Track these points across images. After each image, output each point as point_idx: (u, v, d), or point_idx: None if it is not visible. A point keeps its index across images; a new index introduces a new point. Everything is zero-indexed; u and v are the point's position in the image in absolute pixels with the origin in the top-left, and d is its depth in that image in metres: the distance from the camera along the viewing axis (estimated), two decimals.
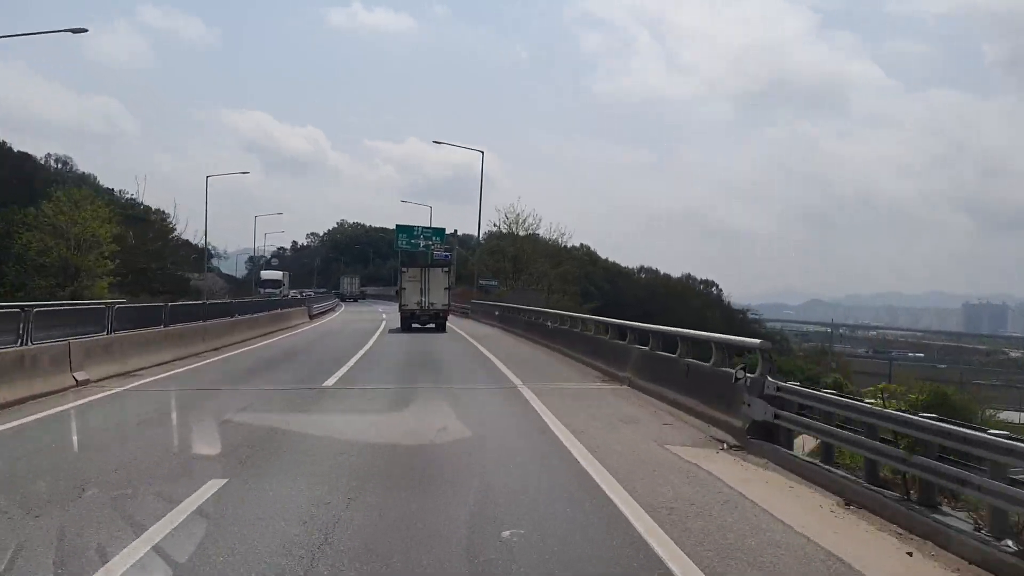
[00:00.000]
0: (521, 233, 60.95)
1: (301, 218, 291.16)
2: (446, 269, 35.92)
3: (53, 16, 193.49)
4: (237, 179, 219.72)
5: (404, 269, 35.28)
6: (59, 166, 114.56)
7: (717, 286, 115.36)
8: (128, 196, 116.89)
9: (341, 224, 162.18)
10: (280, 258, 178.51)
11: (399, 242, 67.50)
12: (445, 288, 33.43)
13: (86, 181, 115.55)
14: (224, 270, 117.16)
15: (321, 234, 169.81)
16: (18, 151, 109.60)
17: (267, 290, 71.42)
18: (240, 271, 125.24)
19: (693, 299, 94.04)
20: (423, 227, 67.26)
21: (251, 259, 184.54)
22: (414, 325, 32.41)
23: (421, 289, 32.87)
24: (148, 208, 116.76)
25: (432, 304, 32.87)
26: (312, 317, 39.79)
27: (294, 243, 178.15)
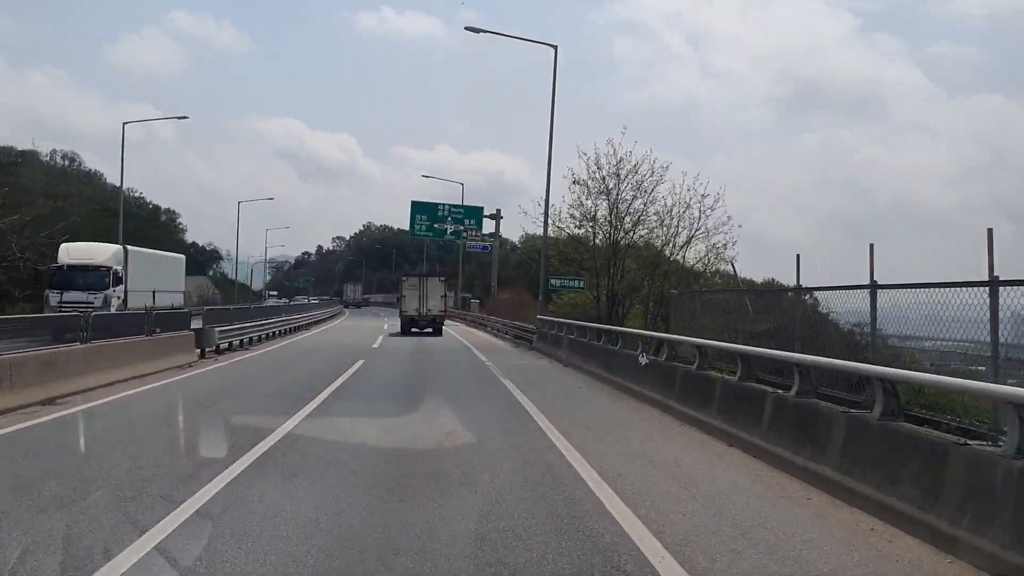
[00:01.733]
0: (629, 197, 27.73)
1: (334, 225, 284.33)
2: (442, 279, 38.81)
3: (84, 24, 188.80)
4: (270, 184, 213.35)
5: (404, 278, 38.33)
6: (66, 163, 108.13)
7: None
8: (137, 194, 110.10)
9: (367, 227, 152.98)
10: (304, 264, 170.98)
11: (415, 227, 46.71)
12: (441, 296, 36.19)
13: (92, 178, 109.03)
14: (238, 275, 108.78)
15: (347, 238, 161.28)
16: (21, 149, 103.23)
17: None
18: (255, 278, 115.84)
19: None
20: (452, 205, 48.02)
21: (276, 267, 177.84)
22: (413, 329, 35.02)
23: (419, 296, 35.38)
24: (157, 208, 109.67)
25: (429, 311, 35.38)
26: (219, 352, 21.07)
27: (319, 247, 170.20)
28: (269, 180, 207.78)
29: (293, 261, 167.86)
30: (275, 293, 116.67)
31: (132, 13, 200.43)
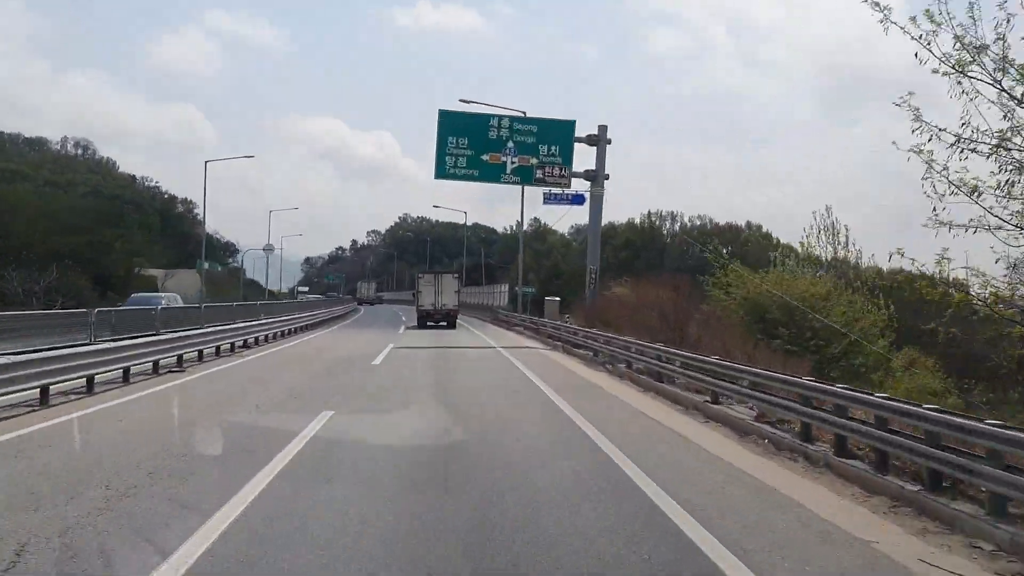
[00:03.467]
0: None
1: (373, 222, 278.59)
2: (456, 275, 39.45)
3: (121, 24, 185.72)
4: (310, 183, 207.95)
5: (420, 276, 38.96)
6: (79, 152, 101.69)
7: None
8: (153, 184, 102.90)
9: (404, 219, 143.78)
10: (339, 259, 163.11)
11: (444, 162, 28.32)
12: (455, 291, 37.03)
13: (102, 166, 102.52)
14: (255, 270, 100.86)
15: (383, 231, 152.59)
16: (28, 136, 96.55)
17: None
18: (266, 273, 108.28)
19: None
20: (515, 117, 29.05)
21: (307, 260, 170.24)
22: (428, 323, 35.78)
23: (435, 292, 36.40)
24: (173, 197, 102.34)
25: (444, 305, 36.43)
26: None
27: (354, 242, 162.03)
28: (310, 179, 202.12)
29: (327, 257, 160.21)
30: (305, 289, 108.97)
31: (170, 13, 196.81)
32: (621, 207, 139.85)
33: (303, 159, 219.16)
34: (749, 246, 51.80)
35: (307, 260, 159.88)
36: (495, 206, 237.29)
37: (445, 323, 35.87)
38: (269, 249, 62.68)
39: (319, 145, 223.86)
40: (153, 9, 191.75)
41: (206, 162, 59.80)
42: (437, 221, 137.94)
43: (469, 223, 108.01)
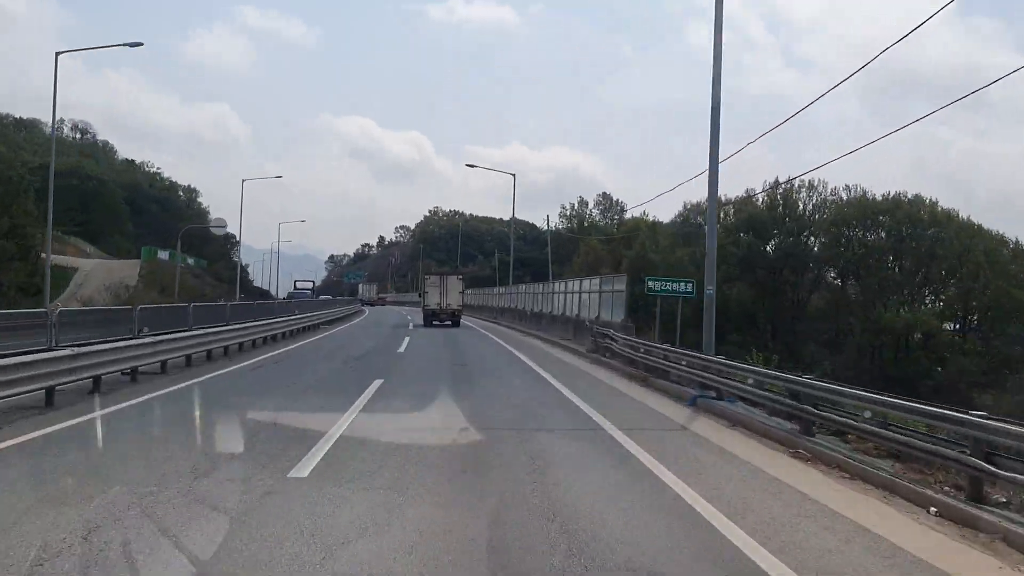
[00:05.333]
0: None
1: (404, 219, 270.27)
2: (460, 277, 40.48)
3: (151, 20, 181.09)
4: (342, 183, 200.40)
5: (427, 277, 41.55)
6: (76, 135, 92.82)
7: None
8: (154, 169, 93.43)
9: (435, 212, 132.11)
10: (365, 257, 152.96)
11: None
12: (460, 292, 38.21)
13: (98, 149, 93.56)
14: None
15: (412, 227, 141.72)
16: (20, 116, 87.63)
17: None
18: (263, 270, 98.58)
19: None
20: None
21: (331, 258, 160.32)
22: (434, 322, 36.90)
23: (440, 292, 37.63)
24: (175, 184, 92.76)
25: (449, 305, 37.56)
26: None
27: (381, 239, 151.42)
28: (341, 177, 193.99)
29: (353, 255, 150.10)
30: (309, 285, 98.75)
31: (203, 10, 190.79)
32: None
33: (335, 158, 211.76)
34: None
35: (331, 258, 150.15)
36: (535, 207, 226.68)
37: (450, 322, 37.19)
38: (220, 225, 51.56)
39: (349, 144, 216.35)
40: (187, 7, 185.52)
41: (243, 180, 55.15)
42: (471, 215, 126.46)
43: (499, 218, 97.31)
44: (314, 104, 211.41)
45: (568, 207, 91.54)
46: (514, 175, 51.70)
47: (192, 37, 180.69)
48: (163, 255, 54.27)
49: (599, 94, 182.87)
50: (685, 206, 64.40)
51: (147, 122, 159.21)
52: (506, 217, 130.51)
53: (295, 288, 76.47)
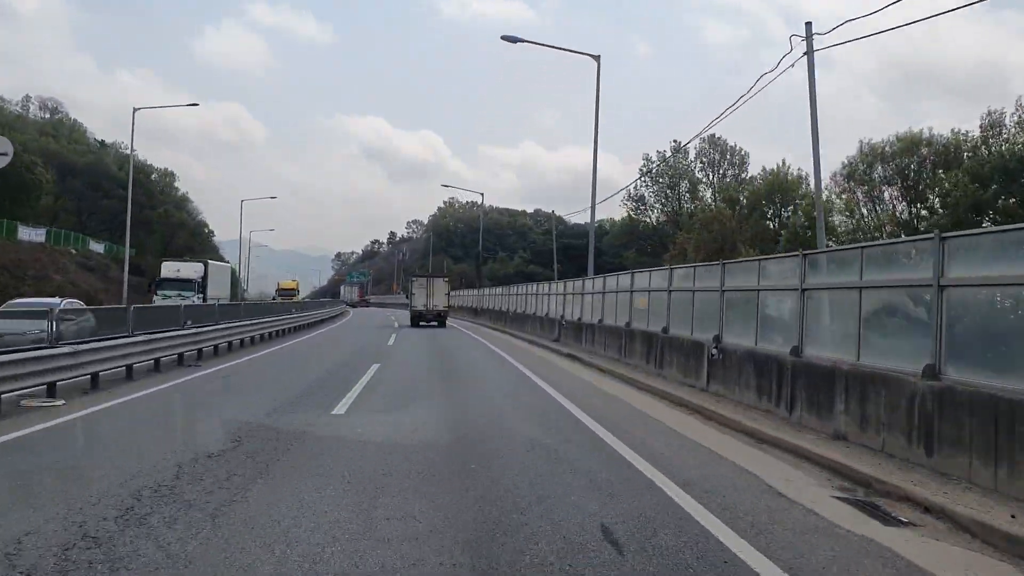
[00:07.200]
0: None
1: (416, 216, 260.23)
2: (446, 279, 42.16)
3: (164, 19, 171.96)
4: (361, 183, 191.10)
5: (413, 279, 43.05)
6: (46, 115, 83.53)
7: None
8: (123, 150, 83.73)
9: (450, 203, 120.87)
10: (374, 255, 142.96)
11: None
12: (445, 294, 39.92)
13: (73, 128, 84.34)
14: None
15: (425, 221, 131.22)
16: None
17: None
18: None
19: None
20: None
21: (338, 255, 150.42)
22: (420, 323, 38.31)
23: (427, 294, 39.10)
24: (151, 167, 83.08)
25: (435, 306, 39.08)
26: None
27: (392, 235, 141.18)
28: (357, 178, 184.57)
29: (360, 252, 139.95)
30: (293, 283, 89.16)
31: (214, 8, 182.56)
32: None
33: (354, 161, 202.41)
34: None
35: (338, 256, 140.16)
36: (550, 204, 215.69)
37: (436, 323, 38.55)
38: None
39: (365, 145, 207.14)
40: (198, 5, 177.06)
41: (242, 201, 51.12)
42: (491, 207, 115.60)
43: (523, 211, 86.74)
44: (329, 105, 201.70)
45: (646, 160, 67.97)
46: (482, 194, 45.89)
47: (205, 35, 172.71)
48: (97, 246, 44.91)
49: (612, 92, 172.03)
50: None
51: (164, 121, 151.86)
52: (530, 210, 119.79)
53: (278, 290, 69.45)
